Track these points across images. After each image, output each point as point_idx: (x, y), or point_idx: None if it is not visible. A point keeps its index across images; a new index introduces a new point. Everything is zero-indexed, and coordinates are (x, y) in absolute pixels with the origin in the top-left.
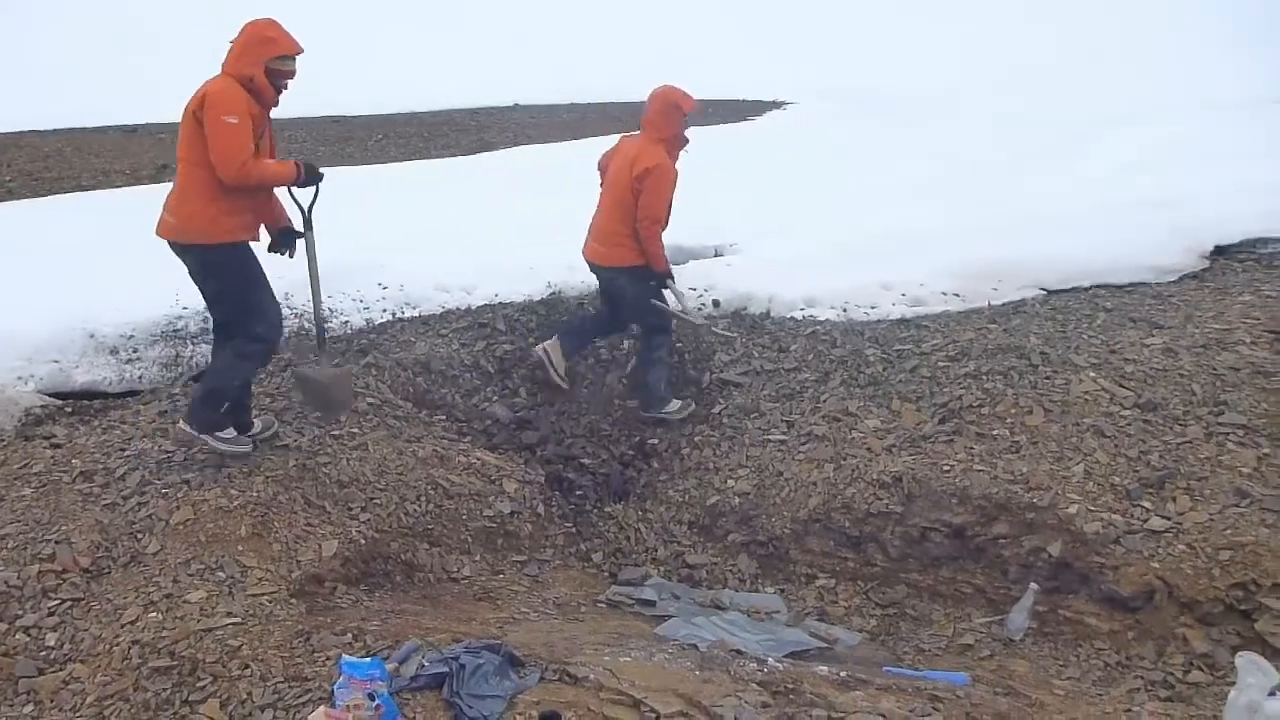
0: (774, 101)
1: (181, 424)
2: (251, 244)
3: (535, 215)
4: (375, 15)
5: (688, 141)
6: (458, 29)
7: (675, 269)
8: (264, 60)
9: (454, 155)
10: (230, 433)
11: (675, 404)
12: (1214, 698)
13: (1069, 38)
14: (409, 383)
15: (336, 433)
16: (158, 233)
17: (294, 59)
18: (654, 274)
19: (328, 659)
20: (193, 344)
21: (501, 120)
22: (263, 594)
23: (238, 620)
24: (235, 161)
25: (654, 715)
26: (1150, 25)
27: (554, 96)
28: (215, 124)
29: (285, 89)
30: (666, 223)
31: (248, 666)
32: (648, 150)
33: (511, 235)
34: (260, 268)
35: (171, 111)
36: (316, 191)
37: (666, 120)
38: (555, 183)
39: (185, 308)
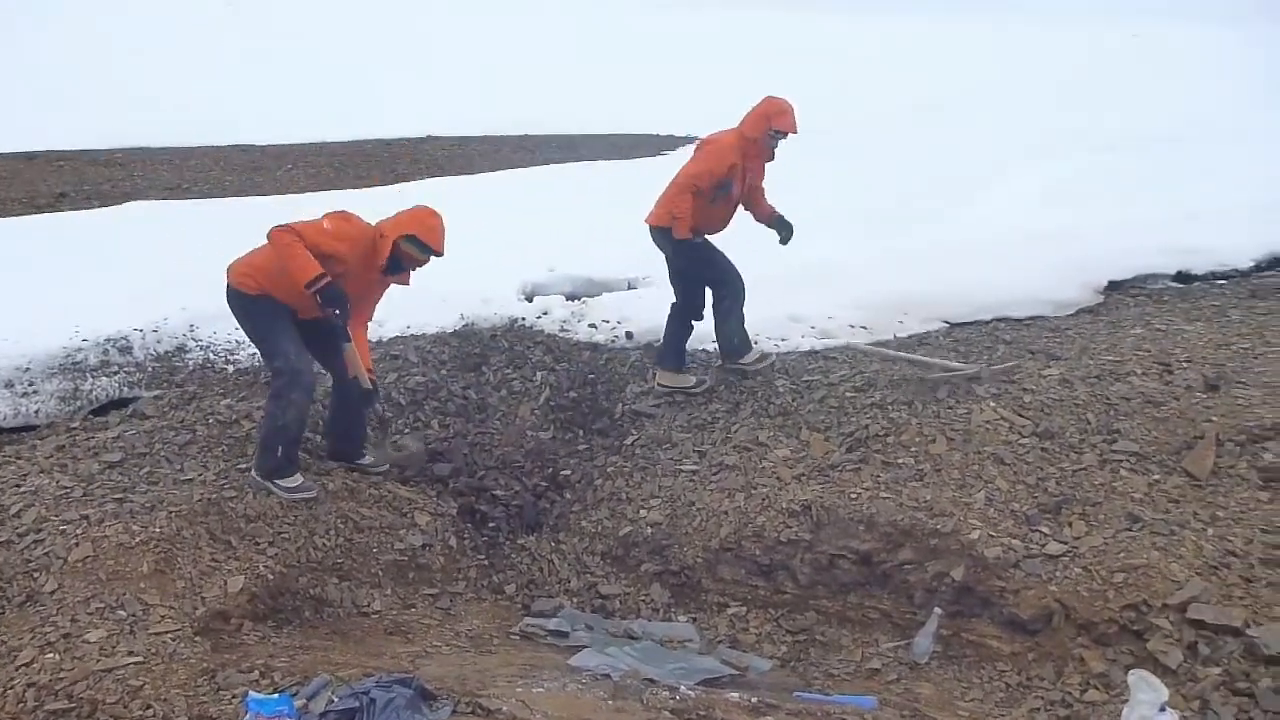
0: (686, 136)
1: (251, 471)
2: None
3: (448, 247)
4: (284, 44)
5: (771, 156)
6: (368, 59)
7: (589, 300)
8: (404, 239)
9: (366, 186)
10: (296, 479)
11: (753, 353)
12: (1109, 715)
13: (976, 74)
14: (318, 415)
15: (243, 466)
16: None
17: (429, 258)
18: (687, 246)
19: (233, 697)
20: (92, 377)
21: (414, 151)
22: (166, 632)
23: (139, 660)
24: (289, 227)
25: None
26: (1052, 63)
27: (467, 129)
28: (323, 220)
29: (407, 272)
30: (705, 198)
31: (150, 707)
32: (722, 133)
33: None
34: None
35: (66, 140)
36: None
37: (753, 123)
38: (469, 215)
39: (85, 340)
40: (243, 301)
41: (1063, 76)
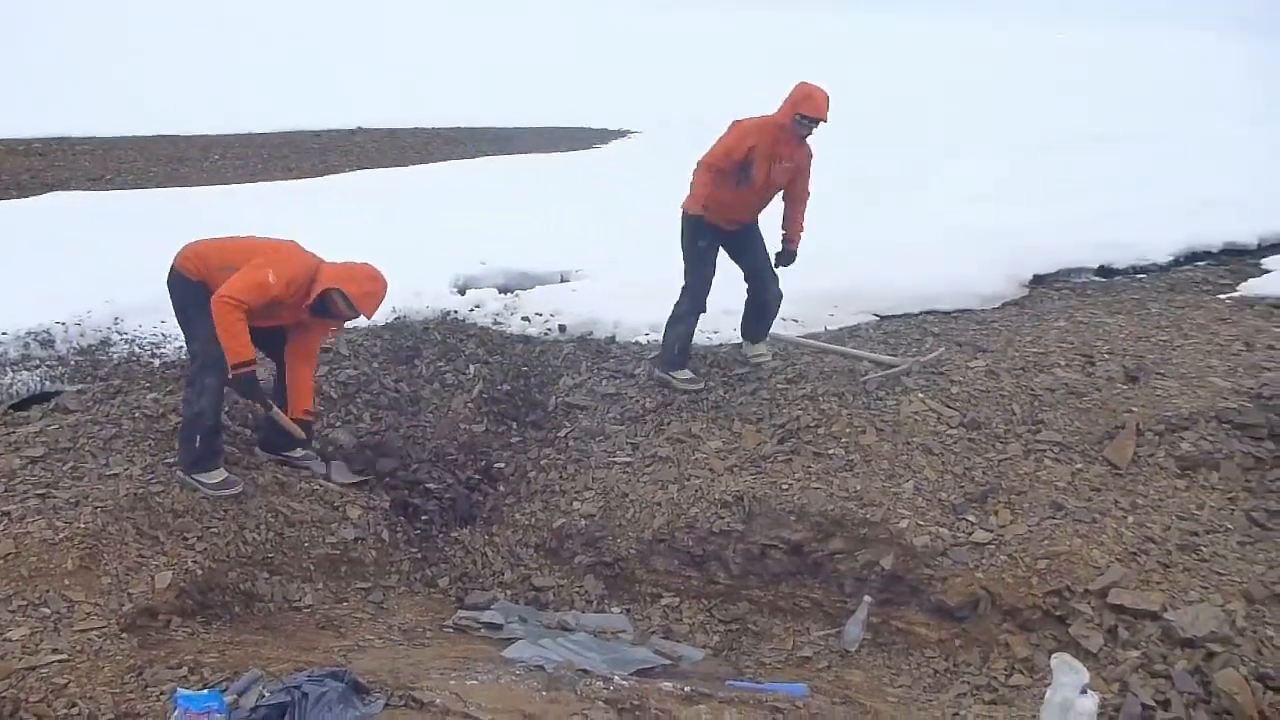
0: (619, 130)
1: (178, 470)
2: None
3: (379, 239)
4: (209, 34)
5: (800, 142)
6: (297, 50)
7: (522, 294)
8: (336, 292)
9: (295, 178)
10: (219, 474)
11: (686, 374)
12: (1033, 699)
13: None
14: (248, 408)
15: (169, 461)
16: None
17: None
18: (692, 224)
19: (161, 694)
20: (12, 371)
21: (345, 143)
22: (91, 629)
23: (64, 657)
24: (233, 296)
25: None
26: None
27: (398, 120)
28: (255, 267)
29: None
30: (727, 179)
31: (75, 705)
32: (755, 116)
33: (354, 259)
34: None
35: None
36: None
37: (783, 108)
38: (399, 207)
39: (4, 333)
40: (181, 284)
41: (986, 77)
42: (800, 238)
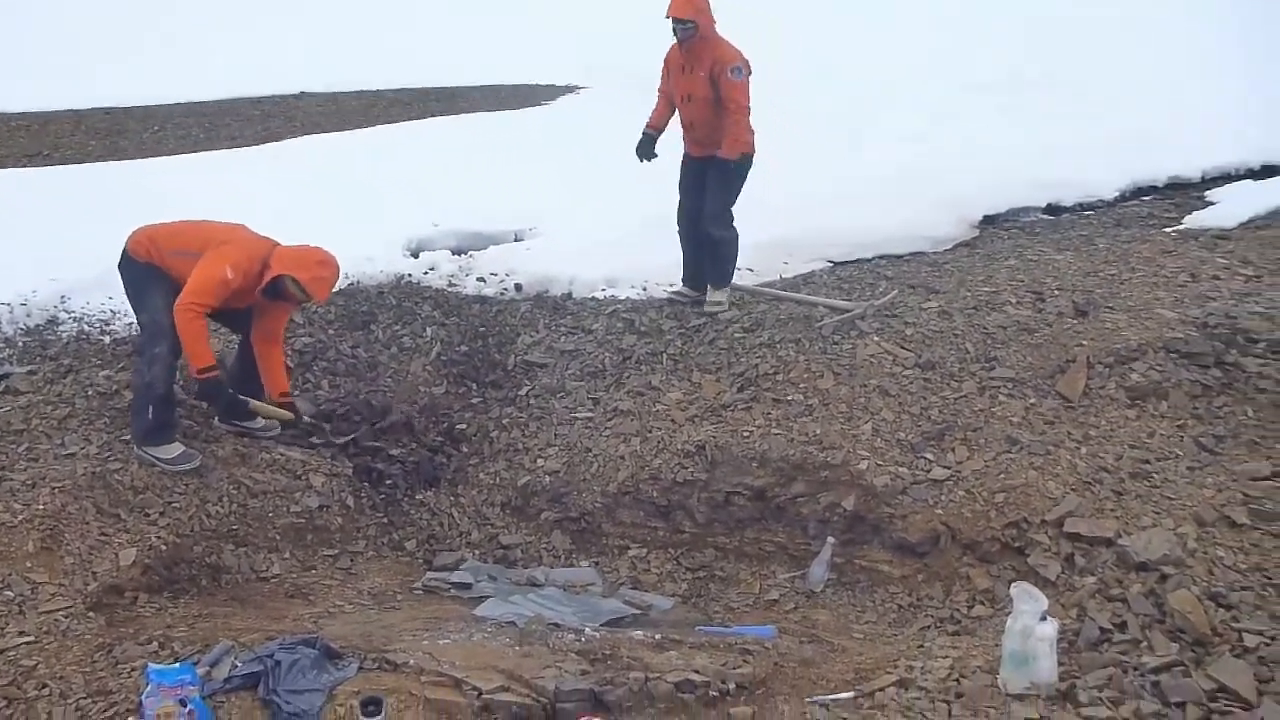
0: (566, 86)
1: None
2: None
3: (329, 206)
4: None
5: (683, 47)
6: (232, 12)
7: (476, 254)
8: (288, 278)
9: (239, 146)
10: (175, 449)
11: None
12: (995, 628)
13: (847, 14)
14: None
15: (126, 438)
16: None
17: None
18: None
19: (133, 670)
20: None
21: (287, 109)
22: (57, 610)
23: (31, 639)
24: (195, 302)
25: (476, 693)
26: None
27: (342, 84)
28: (211, 263)
29: (289, 301)
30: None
31: (45, 686)
32: None
33: (304, 227)
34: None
35: None
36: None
37: None
38: (348, 172)
39: None
40: (131, 266)
41: (939, 13)
42: (727, 147)
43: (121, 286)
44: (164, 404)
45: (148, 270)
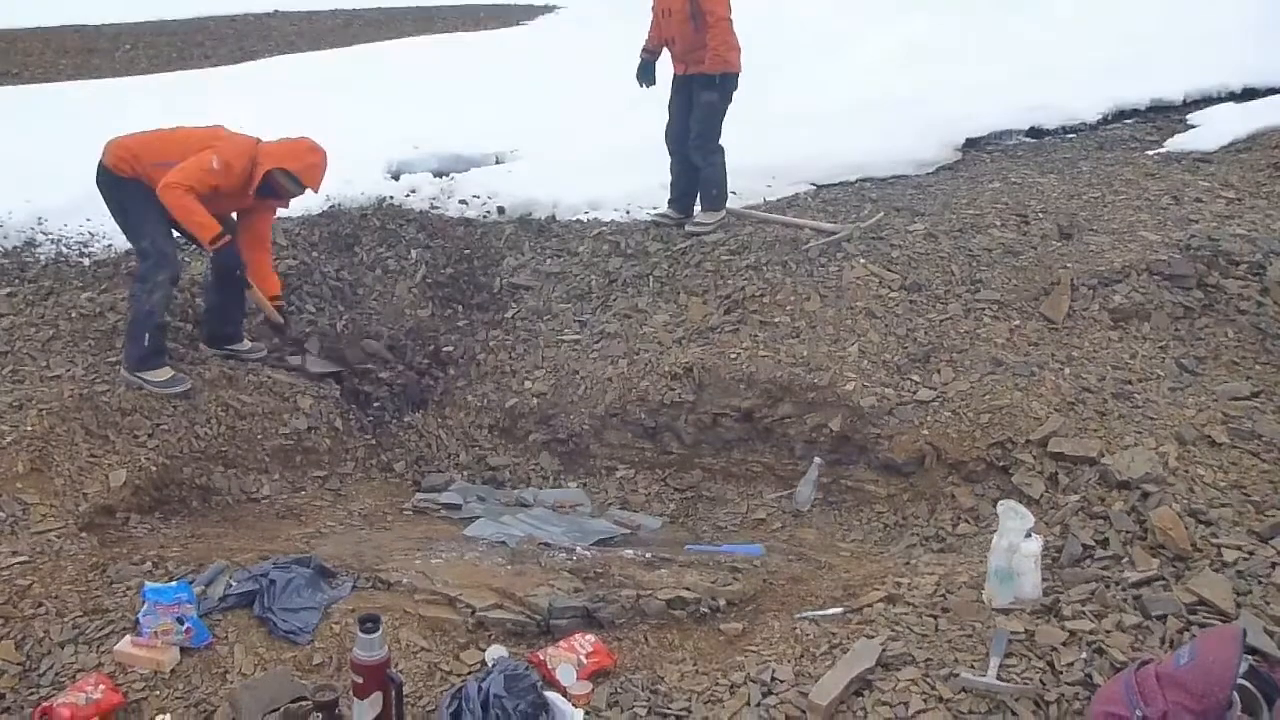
0: (544, 5)
1: (120, 368)
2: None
3: (307, 128)
4: None
5: None
6: None
7: (457, 177)
8: (280, 172)
9: (213, 65)
10: (166, 372)
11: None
12: (979, 545)
13: None
14: (187, 304)
15: (113, 360)
16: None
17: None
18: None
19: (128, 589)
20: None
21: (261, 28)
22: (49, 530)
23: (24, 559)
24: (179, 183)
25: (469, 610)
26: None
27: (315, 3)
28: (210, 158)
29: (283, 199)
30: None
31: (41, 605)
32: None
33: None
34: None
35: None
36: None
37: None
38: (325, 93)
39: None
40: (114, 183)
41: None
42: (709, 62)
43: (104, 202)
44: (160, 331)
45: (135, 187)
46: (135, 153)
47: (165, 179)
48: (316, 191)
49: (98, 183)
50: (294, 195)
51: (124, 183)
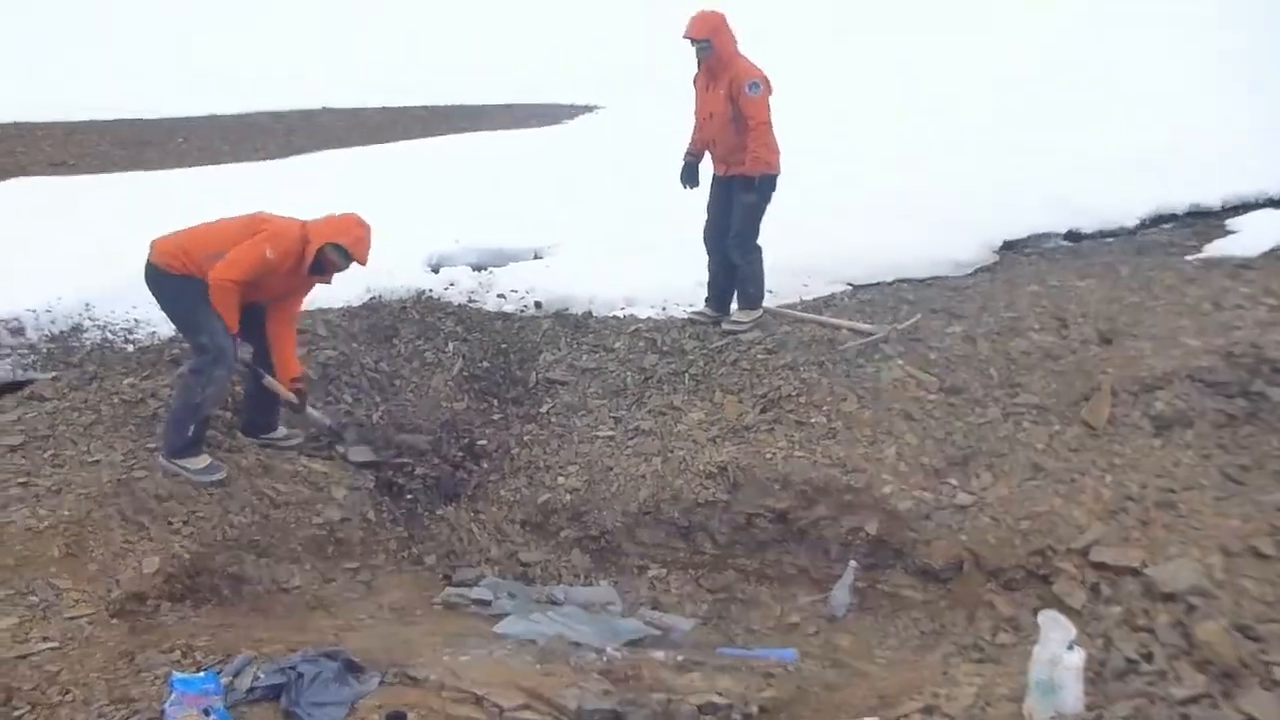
0: (586, 105)
1: (158, 454)
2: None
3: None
4: (161, 12)
5: (703, 67)
6: (255, 27)
7: (496, 271)
8: (330, 247)
9: (261, 160)
10: (204, 460)
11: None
12: (1019, 655)
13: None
14: (228, 392)
15: (151, 446)
16: None
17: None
18: None
19: (155, 678)
20: None
21: (309, 124)
22: (80, 616)
23: (55, 644)
24: (230, 278)
25: (497, 710)
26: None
27: (364, 99)
28: (252, 245)
29: (329, 274)
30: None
31: (68, 692)
32: None
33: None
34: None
35: None
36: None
37: None
38: (369, 187)
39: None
40: (166, 281)
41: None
42: (749, 164)
43: (155, 299)
44: (205, 423)
45: (187, 284)
46: (185, 248)
47: (217, 273)
48: (364, 265)
49: (147, 280)
50: (342, 269)
51: (175, 279)
